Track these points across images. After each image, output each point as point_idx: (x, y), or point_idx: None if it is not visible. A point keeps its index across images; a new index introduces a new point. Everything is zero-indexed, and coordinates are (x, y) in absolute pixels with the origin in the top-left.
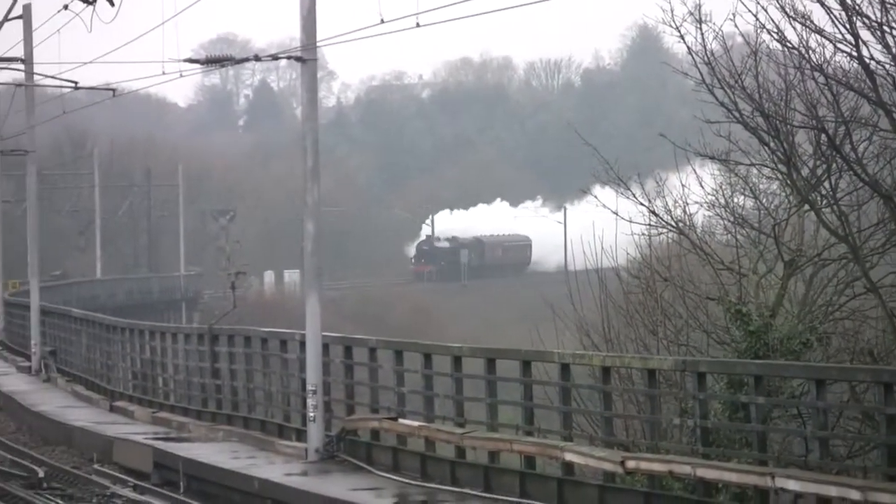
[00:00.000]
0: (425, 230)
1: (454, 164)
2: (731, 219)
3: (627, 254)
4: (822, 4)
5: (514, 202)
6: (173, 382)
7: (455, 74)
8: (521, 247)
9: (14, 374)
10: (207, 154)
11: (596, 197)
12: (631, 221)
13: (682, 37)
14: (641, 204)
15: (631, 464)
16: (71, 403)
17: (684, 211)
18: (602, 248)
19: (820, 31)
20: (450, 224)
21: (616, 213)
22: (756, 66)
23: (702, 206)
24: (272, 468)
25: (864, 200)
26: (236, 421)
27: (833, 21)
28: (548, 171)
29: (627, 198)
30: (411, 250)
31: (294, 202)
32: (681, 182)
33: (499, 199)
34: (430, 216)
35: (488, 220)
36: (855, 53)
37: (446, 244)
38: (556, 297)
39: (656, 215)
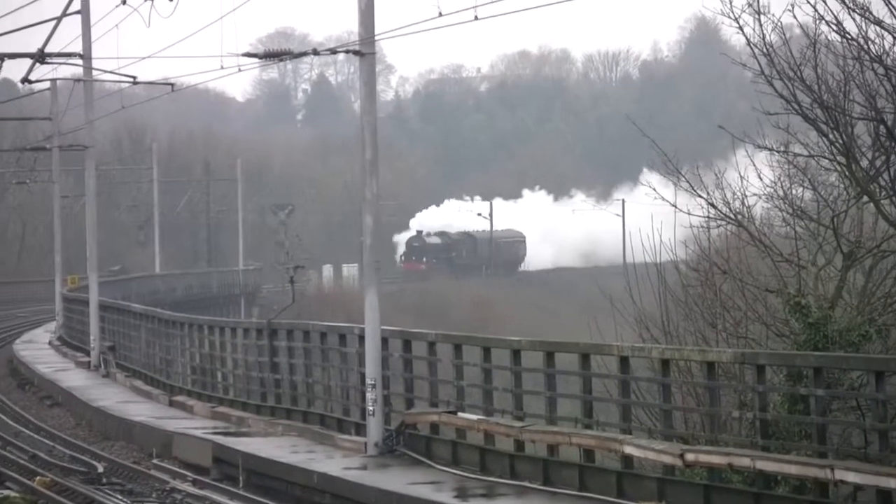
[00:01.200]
0: (413, 224)
1: (512, 157)
2: (790, 211)
3: (686, 246)
4: None
5: (571, 194)
6: (232, 377)
7: (513, 67)
8: (515, 243)
9: (73, 369)
10: (266, 148)
11: (654, 189)
12: (689, 213)
13: (740, 28)
14: (700, 196)
15: (690, 456)
16: (130, 398)
17: (743, 203)
18: (661, 240)
19: (879, 23)
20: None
21: (675, 206)
22: (815, 57)
23: (760, 197)
24: (331, 462)
25: None
26: (295, 415)
27: (892, 12)
28: (606, 164)
29: (686, 190)
30: (399, 246)
31: (352, 196)
32: (739, 174)
33: (544, 192)
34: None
35: (534, 212)
36: None
37: (437, 240)
38: (615, 291)
39: (715, 207)
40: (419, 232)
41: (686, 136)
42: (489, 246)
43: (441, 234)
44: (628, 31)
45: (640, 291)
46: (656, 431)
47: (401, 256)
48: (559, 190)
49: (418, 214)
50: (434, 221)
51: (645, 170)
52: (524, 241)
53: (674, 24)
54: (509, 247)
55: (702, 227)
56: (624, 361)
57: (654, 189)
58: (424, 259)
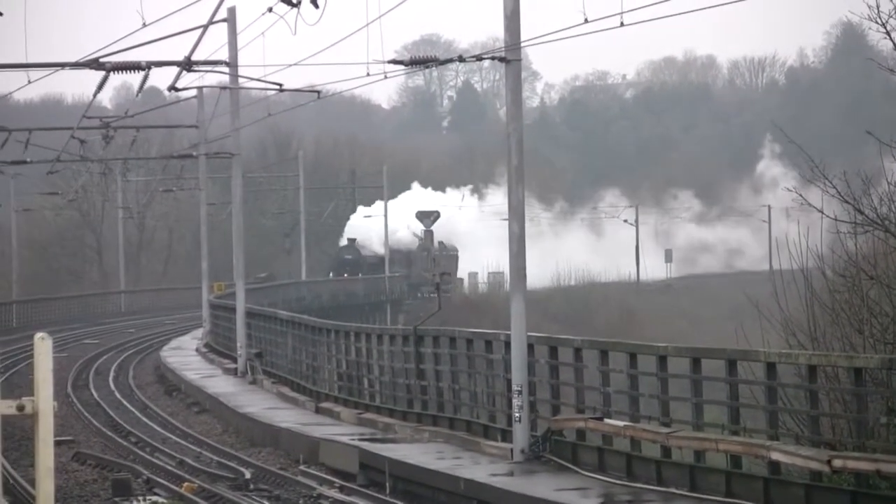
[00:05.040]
0: (349, 231)
1: (657, 164)
2: None
3: (833, 252)
4: None
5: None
6: (379, 383)
7: (658, 74)
8: (449, 258)
9: (220, 375)
10: (411, 156)
11: (801, 195)
12: (837, 219)
13: (888, 33)
14: (846, 202)
15: (838, 463)
16: (277, 405)
17: (890, 209)
18: (807, 246)
19: None
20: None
21: (822, 212)
22: None
23: None
24: (478, 468)
25: None
26: (442, 421)
27: None
28: (750, 170)
29: (833, 196)
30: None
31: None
32: (887, 180)
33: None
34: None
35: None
36: None
37: (372, 253)
38: (761, 297)
39: (862, 213)
40: (350, 241)
41: (833, 142)
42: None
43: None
44: (774, 37)
45: (787, 297)
46: (803, 437)
47: (329, 272)
48: (705, 196)
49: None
50: None
51: (790, 175)
52: (457, 256)
53: (819, 29)
54: (445, 261)
55: (849, 232)
56: (771, 367)
57: (801, 195)
58: (355, 274)
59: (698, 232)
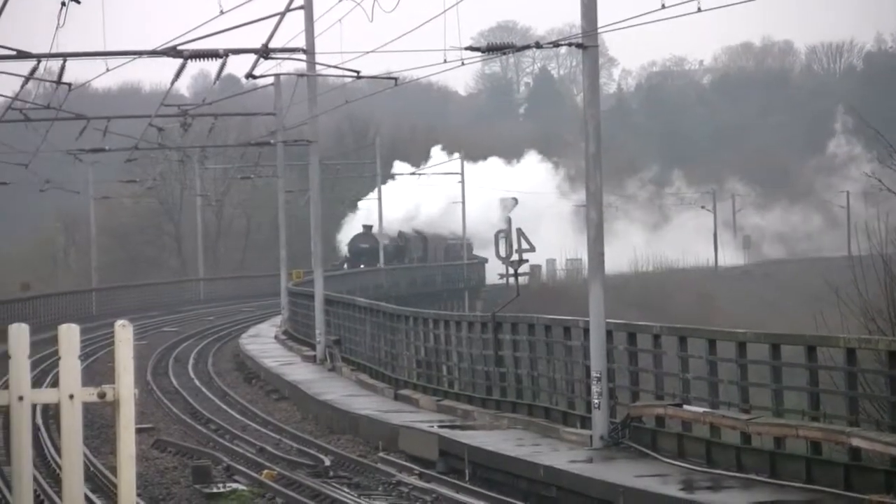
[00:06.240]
0: (359, 218)
1: (735, 151)
2: None
3: None
4: None
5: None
6: (457, 370)
7: (736, 60)
8: (461, 245)
9: (299, 363)
10: (489, 142)
11: (880, 181)
12: None
13: None
14: None
15: None
16: (356, 392)
17: None
18: (886, 231)
19: None
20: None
21: None
22: None
23: None
24: (557, 455)
25: None
26: (520, 408)
27: None
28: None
29: None
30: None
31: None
32: None
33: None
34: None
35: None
36: None
37: (386, 239)
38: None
39: None
40: (366, 227)
41: None
42: (439, 247)
43: (399, 234)
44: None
45: (866, 283)
46: (884, 423)
47: (344, 258)
48: (780, 182)
49: None
50: None
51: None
52: (470, 243)
53: None
54: (457, 248)
55: None
56: (850, 353)
57: (880, 181)
58: (371, 263)
59: (773, 218)
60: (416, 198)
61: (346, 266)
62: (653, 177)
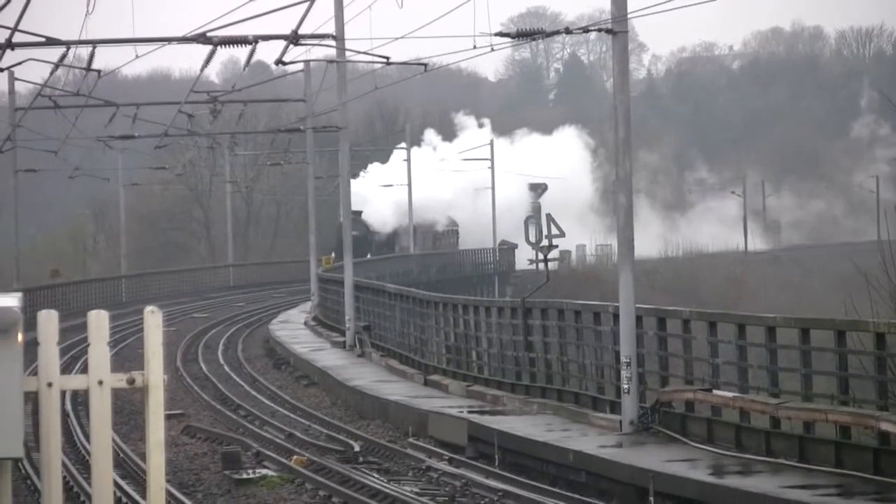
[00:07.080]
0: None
1: (765, 136)
2: None
3: None
4: None
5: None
6: (487, 356)
7: (766, 45)
8: (451, 232)
9: (328, 349)
10: (518, 128)
11: None
12: None
13: None
14: None
15: None
16: (385, 378)
17: None
18: None
19: None
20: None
21: None
22: None
23: None
24: (586, 440)
25: None
26: (550, 393)
27: None
28: (857, 140)
29: None
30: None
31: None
32: None
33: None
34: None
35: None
36: None
37: (378, 230)
38: (871, 267)
39: None
40: (356, 213)
41: None
42: (428, 236)
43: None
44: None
45: None
46: None
47: (332, 253)
48: (809, 167)
49: None
50: None
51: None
52: (457, 231)
53: None
54: (447, 236)
55: None
56: (880, 338)
57: None
58: (364, 253)
59: (802, 203)
60: (432, 184)
61: (333, 255)
62: (682, 161)
